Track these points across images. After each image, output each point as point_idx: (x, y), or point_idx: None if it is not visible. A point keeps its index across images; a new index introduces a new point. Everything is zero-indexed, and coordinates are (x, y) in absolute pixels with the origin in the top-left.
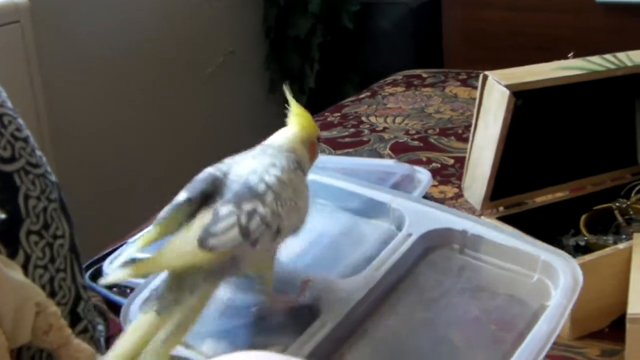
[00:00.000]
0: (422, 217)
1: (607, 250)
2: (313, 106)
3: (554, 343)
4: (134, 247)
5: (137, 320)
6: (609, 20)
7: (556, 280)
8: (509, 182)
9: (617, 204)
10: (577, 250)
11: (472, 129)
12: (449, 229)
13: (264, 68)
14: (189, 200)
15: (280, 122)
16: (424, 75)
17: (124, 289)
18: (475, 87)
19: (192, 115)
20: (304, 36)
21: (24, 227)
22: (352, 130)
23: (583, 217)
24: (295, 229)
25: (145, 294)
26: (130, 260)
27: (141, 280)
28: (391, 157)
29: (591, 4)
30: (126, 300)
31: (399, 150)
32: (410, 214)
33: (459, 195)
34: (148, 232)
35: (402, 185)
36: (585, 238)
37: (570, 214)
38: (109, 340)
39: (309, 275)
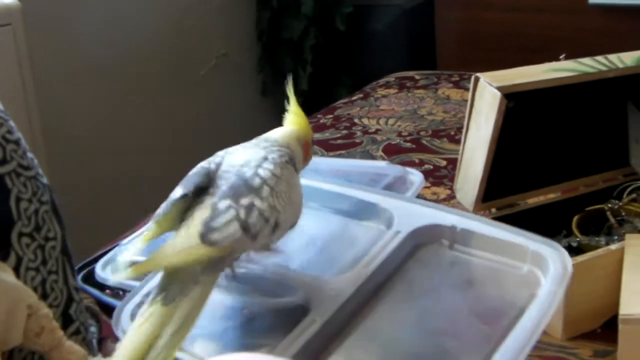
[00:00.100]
0: (410, 214)
1: (600, 251)
2: (306, 108)
3: (547, 343)
4: (135, 246)
5: (144, 313)
6: (602, 22)
7: (546, 269)
8: (501, 184)
9: (609, 205)
10: (569, 251)
11: (464, 130)
12: (437, 225)
13: (256, 70)
14: (184, 196)
15: (273, 124)
16: (417, 77)
17: (117, 291)
18: (468, 89)
19: (185, 117)
20: (297, 38)
21: (15, 230)
22: (344, 132)
23: (575, 218)
24: (292, 224)
25: (137, 299)
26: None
27: (134, 283)
28: (384, 159)
29: (584, 5)
30: (119, 304)
31: (392, 152)
32: (398, 212)
33: (452, 196)
34: (148, 230)
35: (394, 187)
36: (578, 239)
37: (563, 215)
38: (102, 342)
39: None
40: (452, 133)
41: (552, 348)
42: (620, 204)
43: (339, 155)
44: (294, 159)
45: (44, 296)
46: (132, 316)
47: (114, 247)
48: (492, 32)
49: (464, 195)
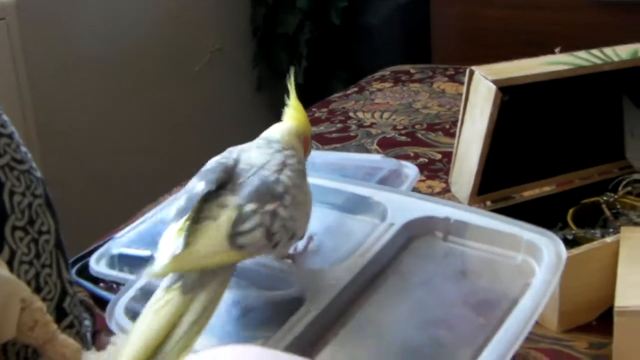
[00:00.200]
0: (404, 206)
1: (595, 243)
2: (301, 102)
3: (542, 336)
4: (169, 239)
5: (159, 299)
6: (599, 16)
7: (540, 258)
8: (496, 177)
9: (604, 198)
10: (564, 244)
11: (459, 124)
12: (431, 217)
13: (251, 65)
14: (208, 192)
15: (268, 119)
16: (412, 70)
17: (111, 284)
18: (463, 83)
19: (180, 113)
20: (292, 33)
21: (9, 223)
22: (339, 125)
23: (571, 211)
24: (302, 235)
25: (131, 293)
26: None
27: (128, 276)
28: (379, 153)
29: (581, 0)
30: (113, 298)
31: (387, 146)
32: (392, 205)
33: (447, 190)
34: (177, 227)
35: (389, 180)
36: (573, 232)
37: (558, 208)
38: (96, 335)
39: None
40: (447, 127)
41: (547, 340)
42: (616, 196)
43: (334, 149)
44: (303, 161)
45: (37, 290)
46: (127, 310)
47: (107, 241)
48: (487, 26)
49: (459, 189)
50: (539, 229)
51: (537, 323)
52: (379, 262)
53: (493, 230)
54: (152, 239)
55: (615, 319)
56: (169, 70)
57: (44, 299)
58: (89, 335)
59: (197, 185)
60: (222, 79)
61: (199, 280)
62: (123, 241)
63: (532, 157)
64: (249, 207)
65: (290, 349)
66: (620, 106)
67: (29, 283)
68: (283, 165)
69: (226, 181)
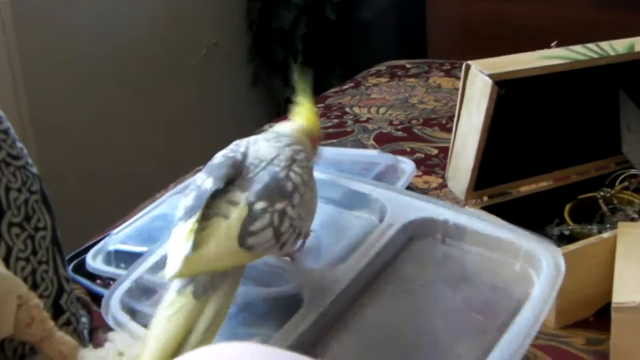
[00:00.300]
0: (403, 207)
1: (592, 239)
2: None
3: (539, 332)
4: (179, 241)
5: (171, 304)
6: (596, 10)
7: (539, 268)
8: (492, 172)
9: (601, 193)
10: (561, 240)
11: (455, 119)
12: (430, 218)
13: (247, 60)
14: (217, 189)
15: (263, 114)
16: (408, 65)
17: (108, 281)
18: (459, 78)
19: (175, 107)
20: (287, 28)
21: (5, 220)
22: (335, 121)
23: (567, 207)
24: (307, 232)
25: (126, 285)
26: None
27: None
28: (375, 148)
29: None
30: (107, 292)
31: (383, 141)
32: (391, 205)
33: (443, 185)
34: (187, 228)
35: (386, 176)
36: (570, 227)
37: (555, 203)
38: (93, 333)
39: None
40: (444, 122)
41: (544, 337)
42: (613, 192)
43: (330, 144)
44: (310, 157)
45: (34, 286)
46: (122, 303)
47: (104, 237)
48: (483, 20)
49: (455, 184)
50: (538, 237)
51: None
52: (379, 263)
53: (492, 237)
54: (148, 235)
55: (613, 314)
56: (164, 65)
57: (40, 296)
58: (86, 332)
59: (206, 182)
60: (218, 74)
61: (210, 283)
62: (120, 237)
63: (528, 152)
64: (259, 205)
65: (291, 349)
66: (617, 101)
67: (25, 280)
68: (292, 160)
69: (234, 176)
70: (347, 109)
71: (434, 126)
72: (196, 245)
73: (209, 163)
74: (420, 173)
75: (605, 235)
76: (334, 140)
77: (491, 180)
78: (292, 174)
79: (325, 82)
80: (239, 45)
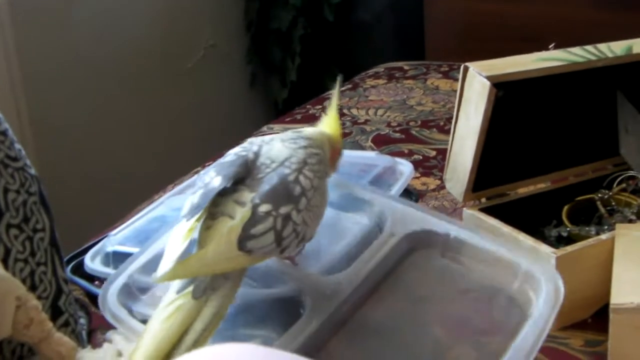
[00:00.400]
0: (405, 217)
1: (590, 241)
2: (295, 99)
3: None
4: (177, 239)
5: (171, 303)
6: (594, 12)
7: (537, 288)
8: (490, 174)
9: (599, 195)
10: (559, 241)
11: (453, 120)
12: (431, 231)
13: (245, 61)
14: (224, 188)
15: (261, 115)
16: (406, 67)
17: None
18: (457, 79)
19: (173, 109)
20: (285, 29)
21: (3, 221)
22: None
23: (565, 208)
24: (311, 237)
25: (121, 280)
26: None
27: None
28: (373, 149)
29: None
30: (103, 286)
31: (381, 142)
32: (393, 214)
33: (441, 187)
34: (188, 226)
35: (384, 177)
36: (568, 229)
37: (553, 205)
38: (91, 334)
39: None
40: (442, 123)
41: None
42: (610, 193)
43: None
44: (326, 164)
45: (32, 288)
46: (119, 297)
47: (102, 239)
48: (481, 22)
49: (453, 186)
50: (539, 258)
51: None
52: (379, 274)
53: (491, 253)
54: (147, 237)
55: (611, 316)
56: (162, 66)
57: (39, 297)
58: (84, 333)
59: (214, 180)
60: (216, 75)
61: (210, 284)
62: (118, 239)
63: (526, 154)
64: (263, 208)
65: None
66: (615, 102)
67: (24, 281)
68: (304, 163)
69: (244, 176)
70: (345, 111)
71: (432, 128)
72: (198, 244)
73: (220, 161)
74: (418, 175)
75: (603, 237)
76: None
77: (489, 181)
78: (301, 177)
79: (324, 84)
80: (236, 46)
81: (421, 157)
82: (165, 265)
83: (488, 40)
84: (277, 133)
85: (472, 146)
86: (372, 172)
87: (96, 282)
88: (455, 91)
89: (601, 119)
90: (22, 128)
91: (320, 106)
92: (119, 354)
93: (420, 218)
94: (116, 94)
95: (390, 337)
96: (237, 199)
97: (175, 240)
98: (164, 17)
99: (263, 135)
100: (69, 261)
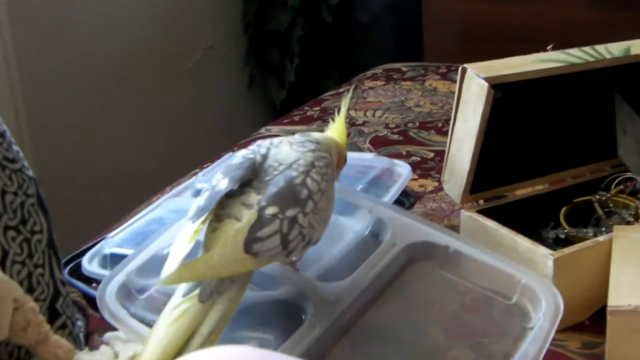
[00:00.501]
0: (405, 228)
1: (588, 242)
2: (293, 100)
3: None
4: (182, 241)
5: (177, 306)
6: (592, 13)
7: (536, 303)
8: (488, 175)
9: (597, 197)
10: (557, 243)
11: (451, 122)
12: (432, 242)
13: (243, 62)
14: (231, 190)
15: (259, 117)
16: (404, 69)
17: None
18: (455, 81)
19: (171, 110)
20: (283, 30)
21: (1, 223)
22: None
23: (563, 210)
24: (317, 240)
25: (118, 280)
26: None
27: None
28: (371, 151)
29: None
30: (99, 286)
31: (379, 144)
32: (393, 223)
33: (439, 188)
34: (193, 228)
35: (381, 179)
36: (566, 231)
37: (550, 206)
38: (89, 336)
39: None
40: (440, 125)
41: None
42: (608, 195)
43: None
44: (333, 168)
45: (30, 290)
46: (117, 296)
47: (100, 241)
48: (479, 23)
49: (451, 187)
50: (537, 274)
51: None
52: (380, 283)
53: (491, 267)
54: (144, 239)
55: (608, 318)
56: (160, 68)
57: (36, 299)
58: (81, 335)
59: (221, 182)
60: (214, 77)
61: (216, 288)
62: (115, 241)
63: (524, 156)
64: (270, 210)
65: None
66: (613, 104)
67: (21, 283)
68: (311, 166)
69: (251, 178)
70: (337, 109)
71: (430, 129)
72: (204, 247)
73: (227, 163)
74: (416, 176)
75: (601, 238)
76: None
77: (487, 183)
78: (308, 180)
79: (322, 85)
80: (235, 47)
81: (419, 159)
82: (169, 267)
83: (486, 41)
84: (276, 135)
85: (470, 148)
86: (370, 174)
87: (94, 285)
88: (453, 93)
89: (599, 120)
90: (20, 129)
91: (318, 107)
92: (116, 356)
93: (421, 229)
94: (114, 95)
95: (393, 343)
96: (244, 201)
97: (181, 242)
98: (162, 18)
99: (261, 137)
100: (66, 263)
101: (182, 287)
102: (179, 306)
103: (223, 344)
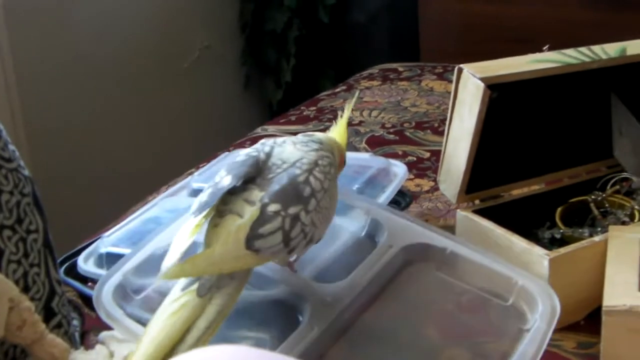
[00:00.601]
0: (402, 229)
1: (583, 242)
2: (289, 100)
3: None
4: (183, 235)
5: (175, 300)
6: (589, 13)
7: (533, 305)
8: (484, 175)
9: (592, 197)
10: (552, 243)
11: (447, 122)
12: (429, 244)
13: (239, 63)
14: (234, 186)
15: (255, 117)
16: (400, 69)
17: None
18: (451, 81)
19: (168, 110)
20: (280, 30)
21: None
22: (328, 124)
23: (559, 210)
24: (319, 239)
25: (115, 280)
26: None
27: None
28: (367, 151)
29: None
30: (97, 284)
31: (375, 144)
32: (390, 225)
33: (435, 188)
34: (195, 222)
35: (378, 179)
36: (561, 231)
37: (546, 206)
38: (84, 336)
39: None
40: (436, 125)
41: None
42: (604, 195)
43: None
44: (336, 168)
45: (25, 289)
46: (114, 296)
47: (96, 240)
48: (476, 23)
49: (447, 187)
50: (533, 276)
51: None
52: (377, 284)
53: (487, 269)
54: (140, 238)
55: (604, 318)
56: (157, 68)
57: (32, 299)
58: (77, 335)
59: (224, 179)
60: (210, 77)
61: (215, 283)
62: (111, 240)
63: (520, 156)
64: (272, 207)
65: None
66: (609, 104)
67: (17, 282)
68: (314, 164)
69: (254, 175)
70: (340, 112)
71: (426, 129)
72: (205, 242)
73: (231, 161)
74: (412, 176)
75: (597, 238)
76: None
77: (483, 183)
78: (311, 179)
79: (318, 85)
80: (231, 47)
81: (415, 159)
82: (169, 261)
83: (482, 41)
84: (272, 135)
85: (466, 148)
86: (366, 174)
87: (89, 284)
88: (450, 93)
89: (595, 120)
90: (16, 129)
91: (314, 107)
92: (111, 356)
93: (418, 231)
94: (109, 94)
95: (390, 344)
96: (246, 197)
97: (182, 237)
98: (158, 18)
99: (258, 136)
100: (62, 262)
101: (182, 281)
102: (178, 300)
103: (218, 343)
